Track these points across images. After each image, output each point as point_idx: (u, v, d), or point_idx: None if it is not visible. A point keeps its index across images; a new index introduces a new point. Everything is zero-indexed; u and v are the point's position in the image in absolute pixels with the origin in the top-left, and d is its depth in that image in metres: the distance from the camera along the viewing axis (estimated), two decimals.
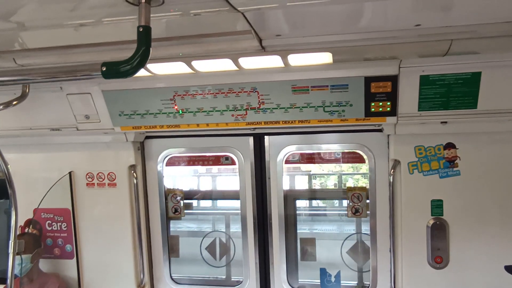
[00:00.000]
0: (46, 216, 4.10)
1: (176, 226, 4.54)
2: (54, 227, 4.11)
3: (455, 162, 3.32)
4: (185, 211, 4.26)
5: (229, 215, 4.91)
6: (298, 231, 4.23)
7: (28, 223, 4.03)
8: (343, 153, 4.09)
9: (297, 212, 4.26)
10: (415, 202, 3.41)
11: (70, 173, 4.01)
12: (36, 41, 2.62)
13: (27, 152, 4.10)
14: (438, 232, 3.37)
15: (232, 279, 4.35)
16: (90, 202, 4.04)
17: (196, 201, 5.02)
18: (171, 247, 4.28)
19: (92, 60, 2.03)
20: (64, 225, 4.08)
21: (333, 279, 3.94)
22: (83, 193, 4.04)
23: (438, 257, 3.39)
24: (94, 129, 3.73)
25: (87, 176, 4.00)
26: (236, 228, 4.31)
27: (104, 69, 1.87)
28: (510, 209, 3.26)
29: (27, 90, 3.26)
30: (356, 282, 4.08)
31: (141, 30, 1.81)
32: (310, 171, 6.14)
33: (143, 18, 1.80)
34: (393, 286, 3.55)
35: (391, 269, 3.55)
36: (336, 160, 4.26)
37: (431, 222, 3.38)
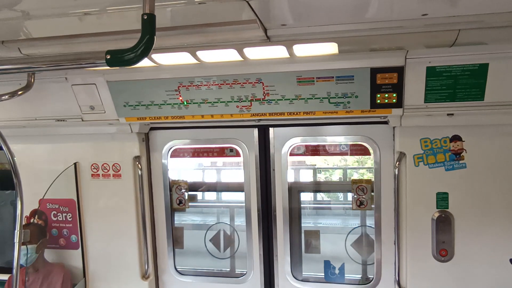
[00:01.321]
0: (52, 206, 4.12)
1: (181, 219, 4.56)
2: (60, 218, 4.13)
3: (461, 154, 3.29)
4: (190, 203, 4.27)
5: (234, 208, 4.91)
6: (302, 224, 4.22)
7: (33, 213, 4.04)
8: (348, 145, 4.07)
9: (302, 205, 4.26)
10: (420, 194, 3.39)
11: (75, 164, 4.03)
12: (41, 30, 2.62)
13: (33, 143, 4.11)
14: (443, 225, 3.35)
15: (236, 271, 4.35)
16: (95, 193, 4.06)
17: (200, 193, 5.03)
18: (176, 239, 4.29)
19: (96, 49, 2.02)
20: (69, 215, 4.10)
21: (337, 272, 3.94)
22: (88, 184, 4.05)
23: (443, 250, 3.37)
24: (99, 120, 3.74)
25: (92, 167, 4.01)
26: (240, 221, 4.32)
27: (109, 57, 1.86)
28: None
29: (32, 80, 3.26)
30: (360, 275, 4.07)
31: (145, 18, 1.80)
32: (315, 165, 6.12)
33: (148, 5, 1.79)
34: (397, 279, 3.54)
35: (396, 262, 3.54)
36: (341, 153, 4.24)
37: (436, 215, 3.36)
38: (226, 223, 4.64)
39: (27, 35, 2.70)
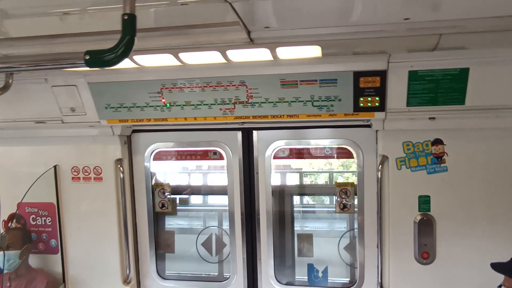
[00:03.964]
0: (31, 210, 4.03)
1: (168, 223, 4.51)
2: (39, 222, 4.03)
3: (443, 158, 3.32)
4: (180, 206, 4.23)
5: (222, 212, 4.85)
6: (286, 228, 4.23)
7: (11, 217, 3.95)
8: (332, 148, 4.09)
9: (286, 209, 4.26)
10: (402, 198, 3.41)
11: (55, 166, 3.95)
12: (20, 30, 2.56)
13: (11, 145, 4.02)
14: (425, 228, 3.37)
15: (225, 275, 4.31)
16: (75, 197, 3.98)
17: (186, 197, 4.99)
18: (166, 243, 4.24)
19: (77, 50, 1.98)
20: (48, 219, 4.02)
21: (320, 275, 3.94)
22: (69, 187, 3.97)
23: (425, 253, 3.40)
24: (79, 122, 3.68)
25: (73, 170, 3.93)
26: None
27: (88, 57, 1.83)
28: (497, 206, 3.27)
29: (10, 81, 3.20)
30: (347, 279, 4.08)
31: (126, 18, 1.77)
32: (302, 168, 6.14)
33: (128, 5, 1.76)
34: (379, 282, 3.55)
35: (378, 264, 3.55)
36: (325, 156, 4.26)
37: (418, 218, 3.38)
38: (219, 227, 4.59)
39: (5, 35, 2.63)
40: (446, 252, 3.38)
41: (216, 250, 4.43)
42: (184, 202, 4.80)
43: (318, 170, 7.58)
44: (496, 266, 2.73)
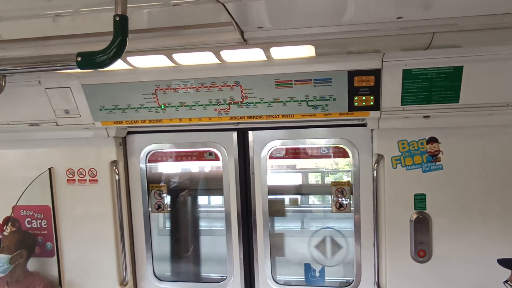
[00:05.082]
0: (26, 213, 4.01)
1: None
2: (34, 225, 4.02)
3: (438, 156, 3.33)
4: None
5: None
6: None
7: (6, 220, 3.93)
8: (328, 148, 4.08)
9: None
10: (398, 196, 3.42)
11: (50, 169, 3.93)
12: (12, 32, 2.55)
13: (6, 149, 4.01)
14: (421, 226, 3.38)
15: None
16: (70, 199, 3.96)
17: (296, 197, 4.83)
18: (275, 245, 4.13)
19: (70, 52, 1.98)
20: (44, 222, 4.00)
21: (317, 275, 3.94)
22: (64, 189, 3.96)
23: (421, 251, 3.40)
24: (74, 124, 3.66)
25: (68, 173, 3.92)
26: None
27: (80, 59, 1.83)
28: (492, 203, 3.29)
29: (3, 83, 3.18)
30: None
31: (117, 19, 1.77)
32: (321, 168, 6.11)
33: (120, 7, 1.76)
34: (376, 281, 3.56)
35: (375, 263, 3.56)
36: (321, 155, 4.25)
37: (414, 216, 3.39)
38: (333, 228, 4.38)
39: None
40: (442, 250, 3.39)
41: (332, 252, 4.23)
42: (294, 203, 4.57)
43: (324, 169, 7.54)
44: (504, 262, 2.76)
